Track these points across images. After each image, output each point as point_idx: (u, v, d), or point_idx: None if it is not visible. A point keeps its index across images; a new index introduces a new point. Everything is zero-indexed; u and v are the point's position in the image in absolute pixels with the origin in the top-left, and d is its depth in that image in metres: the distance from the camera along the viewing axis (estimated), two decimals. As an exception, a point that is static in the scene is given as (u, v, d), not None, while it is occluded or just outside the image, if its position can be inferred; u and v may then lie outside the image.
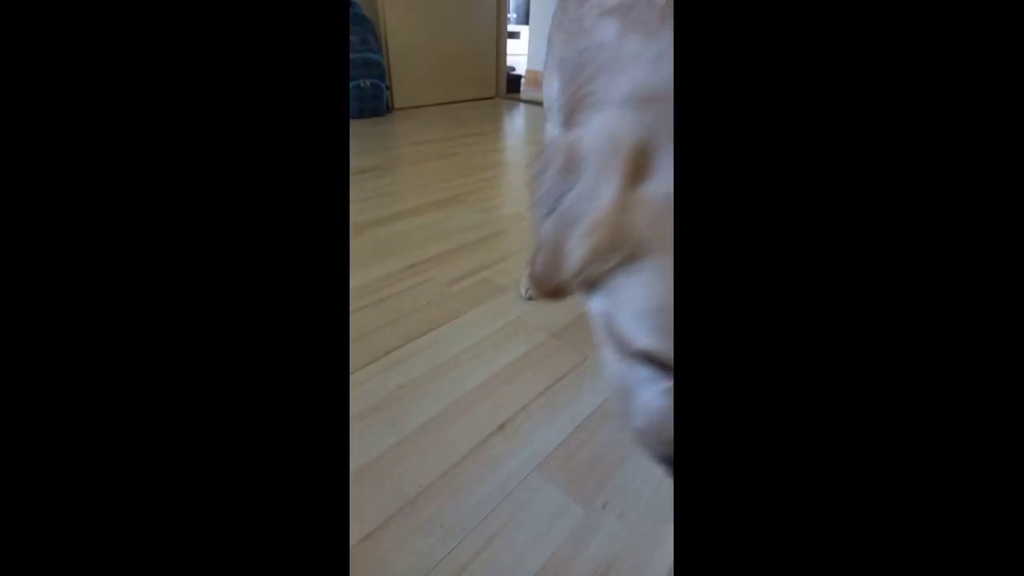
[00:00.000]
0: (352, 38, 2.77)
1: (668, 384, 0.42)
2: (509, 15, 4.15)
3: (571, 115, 0.52)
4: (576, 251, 0.39)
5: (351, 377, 0.85)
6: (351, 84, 2.83)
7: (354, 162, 2.10)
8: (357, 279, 1.16)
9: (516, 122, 3.06)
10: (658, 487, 0.68)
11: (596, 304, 0.43)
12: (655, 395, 0.42)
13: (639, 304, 0.39)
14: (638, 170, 0.38)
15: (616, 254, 0.38)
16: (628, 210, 0.37)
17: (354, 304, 1.06)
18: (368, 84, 2.90)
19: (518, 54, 4.68)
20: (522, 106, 3.58)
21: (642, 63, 0.46)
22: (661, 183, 0.38)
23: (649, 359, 0.41)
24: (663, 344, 0.38)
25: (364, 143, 2.42)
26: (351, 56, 2.79)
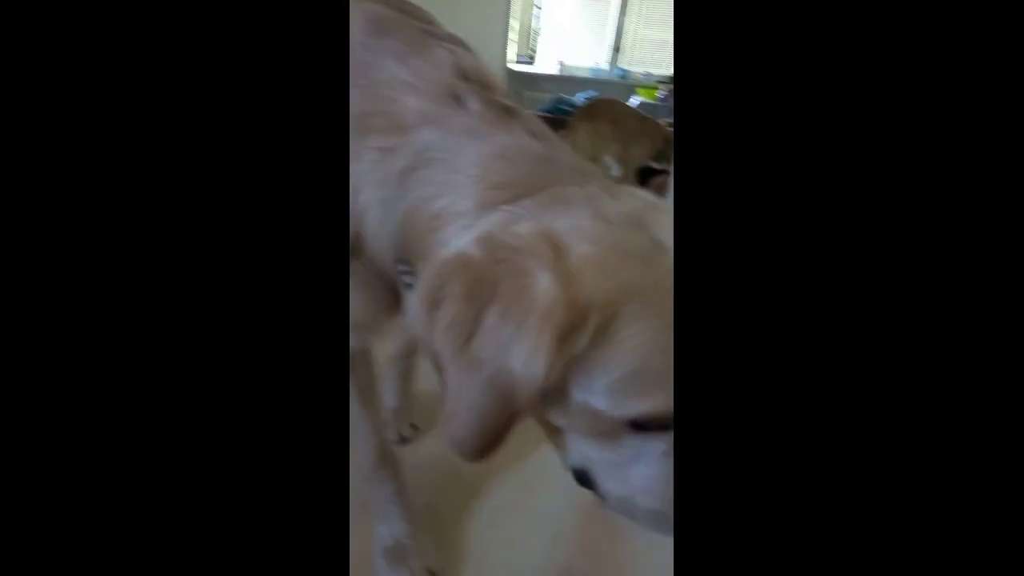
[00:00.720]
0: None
1: (666, 445, 0.43)
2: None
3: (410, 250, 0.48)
4: (534, 356, 0.36)
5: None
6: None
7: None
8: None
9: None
10: None
11: (572, 398, 0.41)
12: (656, 459, 0.43)
13: (629, 365, 0.39)
14: (560, 251, 0.38)
15: (587, 325, 0.37)
16: (578, 278, 0.37)
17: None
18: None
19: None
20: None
21: (488, 160, 0.46)
22: (583, 247, 0.39)
23: (644, 424, 0.41)
24: (650, 406, 0.39)
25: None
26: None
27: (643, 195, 0.50)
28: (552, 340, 0.36)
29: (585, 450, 0.47)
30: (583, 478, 0.50)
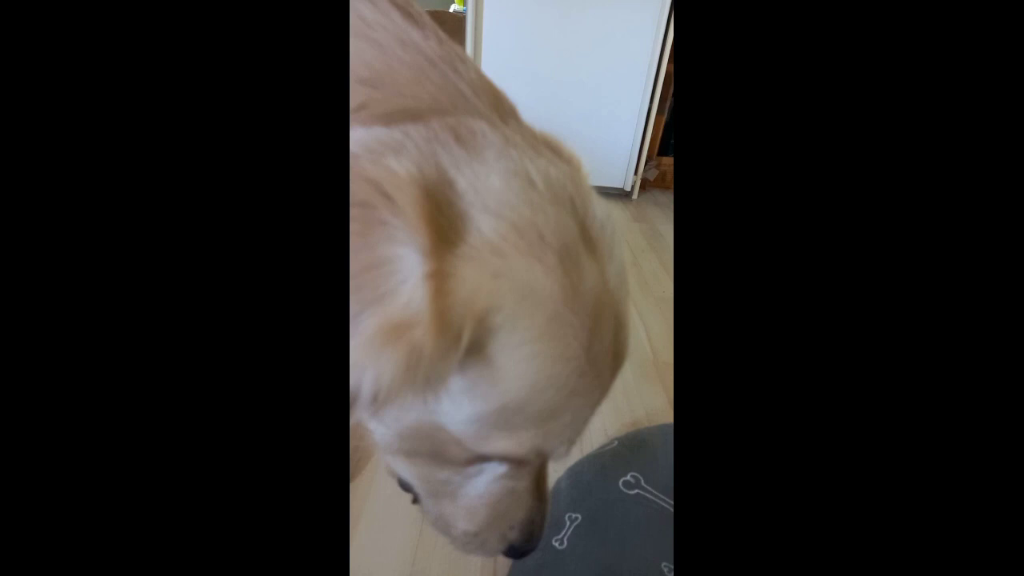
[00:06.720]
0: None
1: (507, 467, 0.36)
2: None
3: None
4: (363, 377, 0.25)
5: None
6: None
7: None
8: None
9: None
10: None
11: (408, 413, 0.32)
12: (492, 480, 0.37)
13: (508, 399, 0.29)
14: (450, 221, 0.27)
15: (456, 349, 0.26)
16: (462, 278, 0.26)
17: None
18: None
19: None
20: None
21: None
22: (486, 220, 0.27)
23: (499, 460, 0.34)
24: (514, 444, 0.31)
25: None
26: None
27: (570, 160, 0.35)
28: (399, 367, 0.25)
29: (420, 469, 0.38)
30: (405, 485, 0.43)
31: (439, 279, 0.25)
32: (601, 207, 0.32)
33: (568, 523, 0.72)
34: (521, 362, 0.28)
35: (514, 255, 0.27)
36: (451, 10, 3.26)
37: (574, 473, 0.81)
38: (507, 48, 2.15)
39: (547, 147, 0.34)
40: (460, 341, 0.26)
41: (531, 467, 0.38)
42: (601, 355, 0.31)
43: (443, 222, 0.26)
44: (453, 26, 2.56)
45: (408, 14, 0.33)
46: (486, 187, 0.28)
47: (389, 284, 0.25)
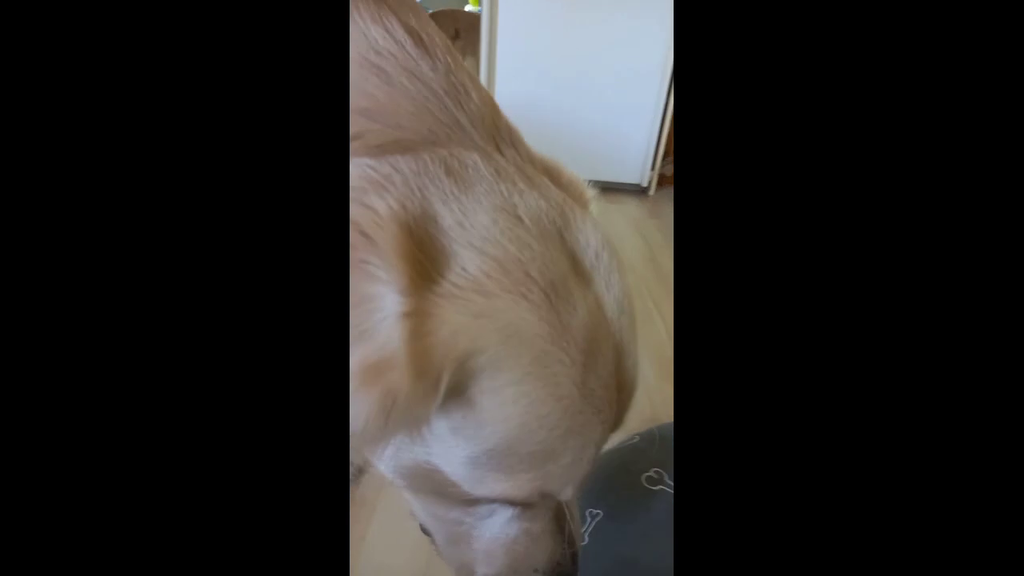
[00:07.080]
0: None
1: (518, 508, 0.36)
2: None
3: None
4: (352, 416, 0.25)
5: None
6: None
7: None
8: None
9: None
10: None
11: (404, 452, 0.32)
12: (507, 522, 0.37)
13: (498, 440, 0.29)
14: (430, 259, 0.27)
15: (434, 392, 0.26)
16: (441, 319, 0.26)
17: None
18: None
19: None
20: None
21: None
22: (470, 257, 0.27)
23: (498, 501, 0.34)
24: (513, 487, 0.31)
25: None
26: None
27: (569, 186, 0.36)
28: (373, 410, 0.25)
29: (429, 507, 0.39)
30: (425, 529, 0.43)
31: (417, 319, 0.25)
32: (596, 236, 0.32)
33: (589, 519, 0.73)
34: (507, 404, 0.28)
35: (499, 293, 0.27)
36: (466, 9, 3.28)
37: (595, 469, 0.82)
38: (522, 45, 2.16)
39: (546, 173, 0.35)
40: (439, 385, 0.26)
41: (543, 508, 0.38)
42: (599, 390, 0.31)
43: (424, 260, 0.26)
44: (468, 24, 2.57)
45: (420, 41, 0.32)
46: (472, 223, 0.28)
47: (369, 322, 0.25)
